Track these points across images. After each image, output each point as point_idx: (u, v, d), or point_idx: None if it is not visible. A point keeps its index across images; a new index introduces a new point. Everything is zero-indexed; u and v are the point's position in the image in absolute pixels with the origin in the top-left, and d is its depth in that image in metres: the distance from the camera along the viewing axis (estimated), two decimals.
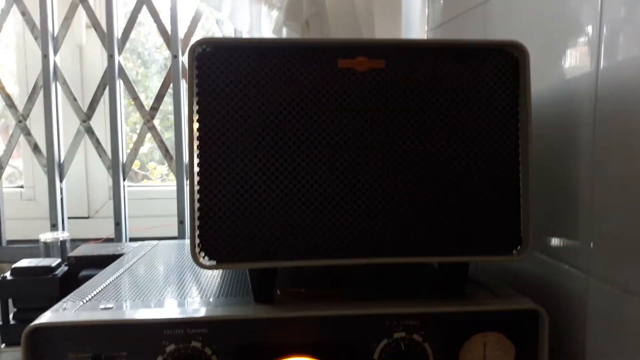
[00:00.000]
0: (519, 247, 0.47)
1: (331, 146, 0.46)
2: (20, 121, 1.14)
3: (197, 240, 0.45)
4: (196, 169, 0.46)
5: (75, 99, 1.15)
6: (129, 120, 1.43)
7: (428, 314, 0.47)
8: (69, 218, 1.25)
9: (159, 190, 1.37)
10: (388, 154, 0.46)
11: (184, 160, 1.13)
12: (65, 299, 0.51)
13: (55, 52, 1.15)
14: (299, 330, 0.46)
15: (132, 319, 0.45)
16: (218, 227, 0.45)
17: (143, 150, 1.49)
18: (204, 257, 0.46)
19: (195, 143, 0.45)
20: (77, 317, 0.45)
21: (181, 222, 1.16)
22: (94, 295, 0.52)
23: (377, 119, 0.46)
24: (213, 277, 0.59)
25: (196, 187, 0.45)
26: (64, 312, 0.47)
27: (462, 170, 0.47)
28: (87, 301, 0.50)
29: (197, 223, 0.45)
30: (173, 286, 0.56)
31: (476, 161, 0.47)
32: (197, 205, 0.45)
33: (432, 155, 0.46)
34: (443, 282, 0.50)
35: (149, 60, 1.43)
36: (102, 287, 0.56)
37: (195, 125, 0.45)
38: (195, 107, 0.45)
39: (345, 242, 0.46)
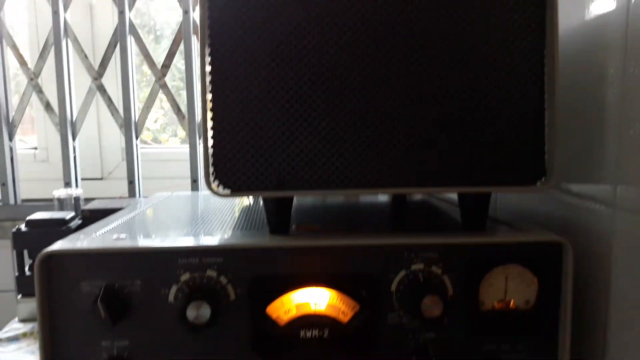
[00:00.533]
0: (543, 178, 0.46)
1: (347, 73, 0.44)
2: (31, 79, 1.14)
3: (212, 169, 0.44)
4: (209, 96, 0.44)
5: (86, 57, 1.13)
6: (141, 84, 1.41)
7: (447, 245, 0.45)
8: (82, 179, 1.25)
9: (172, 152, 1.36)
10: (407, 82, 0.44)
11: (196, 119, 1.12)
12: (77, 233, 0.50)
13: (65, 8, 1.14)
14: (315, 260, 0.45)
15: (146, 246, 0.44)
16: (232, 156, 0.44)
17: (155, 126, 1.49)
18: (218, 186, 0.45)
19: (208, 69, 0.44)
20: (91, 245, 0.45)
21: (194, 180, 1.15)
22: (107, 230, 0.52)
23: (397, 45, 0.44)
24: (229, 215, 0.59)
25: (209, 114, 0.44)
26: (77, 241, 0.46)
27: (486, 99, 0.45)
28: (99, 235, 0.50)
29: (211, 151, 0.44)
30: (188, 223, 0.55)
31: (501, 90, 0.45)
32: (210, 132, 0.44)
33: (454, 83, 0.45)
34: (463, 217, 0.49)
35: (161, 36, 1.42)
36: (115, 224, 0.55)
37: (207, 58, 0.44)
38: (207, 35, 0.44)
39: (362, 173, 0.45)
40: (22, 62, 1.13)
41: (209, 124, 0.44)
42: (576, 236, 0.50)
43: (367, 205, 0.63)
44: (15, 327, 0.91)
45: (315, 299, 0.46)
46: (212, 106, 0.44)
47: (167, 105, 1.27)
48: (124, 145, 1.17)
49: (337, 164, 0.44)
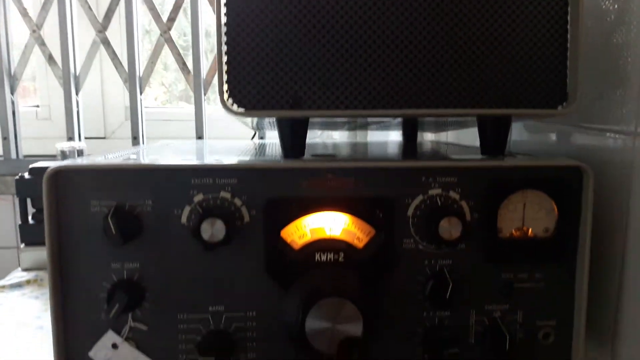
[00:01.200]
0: (564, 103, 0.45)
1: None
2: (34, 31, 1.12)
3: (226, 87, 0.43)
4: (223, 19, 0.43)
5: (90, 8, 1.11)
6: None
7: (465, 169, 0.44)
8: (85, 138, 1.24)
9: (175, 112, 1.35)
10: (424, 2, 0.43)
11: (202, 74, 1.11)
12: (85, 157, 0.49)
13: None
14: (331, 183, 0.44)
15: (158, 164, 0.43)
16: (247, 74, 0.43)
17: (156, 104, 1.47)
18: (232, 104, 0.43)
19: None
20: (101, 161, 0.44)
21: (199, 137, 1.14)
22: (118, 155, 0.51)
23: None
24: (243, 146, 0.58)
25: (224, 30, 0.43)
26: (87, 159, 0.45)
27: (507, 19, 0.43)
28: (110, 157, 0.48)
29: (225, 68, 0.43)
30: (199, 152, 0.54)
31: (523, 10, 0.44)
32: (224, 48, 0.43)
33: (473, 2, 0.43)
34: (482, 142, 0.48)
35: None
36: (123, 155, 0.54)
37: None
38: None
39: (379, 93, 0.43)
40: (24, 14, 1.11)
41: (224, 39, 0.43)
42: (598, 161, 0.49)
43: (380, 145, 0.62)
44: (18, 275, 0.90)
45: (330, 224, 0.45)
46: (227, 23, 0.43)
47: (168, 80, 1.25)
48: (127, 104, 1.16)
49: (354, 84, 0.43)
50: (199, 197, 0.43)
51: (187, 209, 0.44)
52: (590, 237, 0.45)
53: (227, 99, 0.43)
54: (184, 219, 0.44)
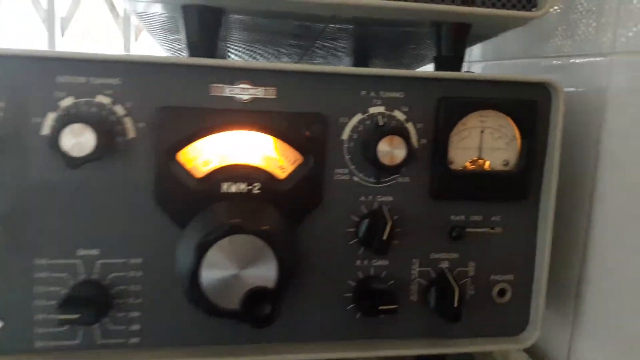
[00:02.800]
0: (535, 6, 0.37)
1: None
2: None
3: None
4: None
5: None
6: None
7: (414, 81, 0.36)
8: None
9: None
10: None
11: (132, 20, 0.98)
12: None
13: None
14: (247, 91, 0.35)
15: (8, 49, 0.32)
16: None
17: None
18: None
19: None
20: None
21: None
22: None
23: None
24: None
25: None
26: None
27: None
28: None
29: None
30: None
31: None
32: None
33: None
34: (437, 53, 0.39)
35: None
36: None
37: None
38: None
39: None
40: None
41: None
42: (571, 86, 0.42)
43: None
44: None
45: (244, 147, 0.35)
46: None
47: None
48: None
49: None
50: (67, 102, 0.33)
51: (50, 117, 0.33)
52: (557, 173, 0.37)
53: None
54: (45, 130, 0.33)
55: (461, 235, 0.37)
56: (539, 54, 0.46)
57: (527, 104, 0.37)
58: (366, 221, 0.36)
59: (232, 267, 0.31)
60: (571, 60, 0.42)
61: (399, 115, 0.36)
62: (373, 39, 0.46)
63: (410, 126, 0.36)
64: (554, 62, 0.44)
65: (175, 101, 0.34)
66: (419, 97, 0.36)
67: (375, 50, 0.50)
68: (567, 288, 0.42)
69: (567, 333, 0.42)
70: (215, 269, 0.31)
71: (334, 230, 0.36)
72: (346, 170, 0.36)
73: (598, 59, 0.39)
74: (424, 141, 0.36)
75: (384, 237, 0.34)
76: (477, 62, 0.58)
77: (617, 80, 0.38)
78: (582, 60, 0.41)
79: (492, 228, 0.38)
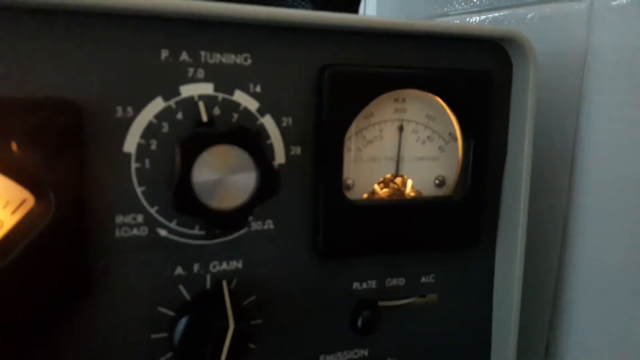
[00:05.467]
0: None
1: None
2: None
3: None
4: None
5: None
6: None
7: (269, 30, 0.18)
8: None
9: None
10: None
11: None
12: None
13: None
14: None
15: None
16: None
17: None
18: None
19: None
20: None
21: None
22: None
23: None
24: None
25: None
26: None
27: None
28: None
29: None
30: None
31: None
32: None
33: None
34: None
35: None
36: None
37: None
38: None
39: None
40: None
41: None
42: (546, 42, 0.27)
43: None
44: None
45: None
46: None
47: None
48: None
49: None
50: None
51: None
52: (527, 196, 0.22)
53: None
54: None
55: (372, 316, 0.20)
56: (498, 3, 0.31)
57: (474, 78, 0.20)
58: (185, 319, 0.17)
59: None
60: (542, 12, 0.27)
61: (243, 100, 0.18)
62: None
63: (267, 123, 0.18)
64: (519, 11, 0.29)
65: None
66: (283, 64, 0.18)
67: None
68: None
69: None
70: None
71: (123, 341, 0.18)
72: (140, 218, 0.17)
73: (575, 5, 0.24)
74: (296, 151, 0.19)
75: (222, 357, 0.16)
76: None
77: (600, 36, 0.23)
78: (553, 9, 0.26)
79: (422, 297, 0.22)
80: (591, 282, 0.24)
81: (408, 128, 0.21)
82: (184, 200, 0.15)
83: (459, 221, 0.21)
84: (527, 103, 0.21)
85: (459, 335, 0.23)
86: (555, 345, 0.26)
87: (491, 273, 0.23)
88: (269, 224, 0.19)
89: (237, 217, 0.16)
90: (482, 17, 0.30)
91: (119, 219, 0.17)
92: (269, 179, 0.16)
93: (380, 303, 0.21)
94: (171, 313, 0.18)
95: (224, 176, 0.16)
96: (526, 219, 0.22)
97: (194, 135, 0.16)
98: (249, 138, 0.16)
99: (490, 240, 0.22)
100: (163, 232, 0.18)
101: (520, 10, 0.27)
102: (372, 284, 0.21)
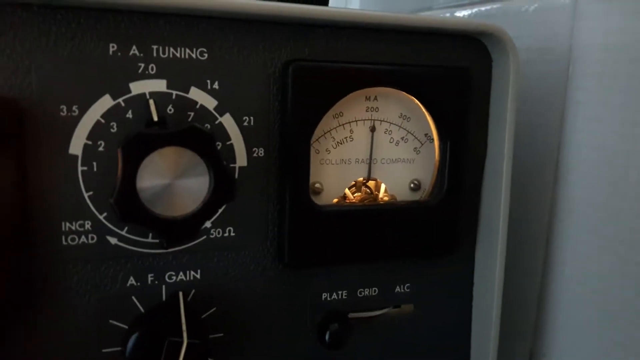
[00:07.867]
0: None
1: None
2: None
3: None
4: None
5: None
6: None
7: (228, 24, 0.17)
8: None
9: None
10: None
11: None
12: None
13: None
14: None
15: None
16: None
17: None
18: None
19: None
20: None
21: None
22: None
23: None
24: None
25: None
26: None
27: None
28: None
29: None
30: None
31: None
32: None
33: None
34: None
35: None
36: None
37: None
38: None
39: None
40: None
41: None
42: (529, 44, 0.26)
43: None
44: None
45: None
46: None
47: None
48: None
49: None
50: None
51: None
52: (508, 199, 0.20)
53: None
54: None
55: (341, 329, 0.19)
56: None
57: (451, 75, 0.19)
58: (137, 333, 0.16)
59: None
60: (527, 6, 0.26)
61: (199, 97, 0.17)
62: None
63: (227, 122, 0.17)
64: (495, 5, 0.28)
65: None
66: (243, 58, 0.17)
67: None
68: None
69: None
70: None
71: (72, 355, 0.17)
72: (88, 225, 0.16)
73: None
74: (259, 152, 0.18)
75: None
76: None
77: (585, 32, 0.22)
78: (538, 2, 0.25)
79: (397, 307, 0.21)
80: (576, 286, 0.23)
81: (381, 128, 0.19)
82: (127, 209, 0.14)
83: (435, 227, 0.20)
84: (508, 101, 0.20)
85: (436, 346, 0.22)
86: (540, 349, 0.24)
87: (470, 281, 0.22)
88: (230, 232, 0.18)
89: (188, 225, 0.15)
90: (467, 11, 0.29)
91: (66, 225, 0.16)
92: (224, 183, 0.15)
93: (351, 315, 0.20)
94: (124, 326, 0.17)
95: (173, 181, 0.15)
96: (507, 224, 0.20)
97: (137, 136, 0.14)
98: (200, 139, 0.15)
99: (469, 246, 0.21)
100: (113, 240, 0.17)
101: (506, 5, 0.26)
102: (343, 294, 0.20)
